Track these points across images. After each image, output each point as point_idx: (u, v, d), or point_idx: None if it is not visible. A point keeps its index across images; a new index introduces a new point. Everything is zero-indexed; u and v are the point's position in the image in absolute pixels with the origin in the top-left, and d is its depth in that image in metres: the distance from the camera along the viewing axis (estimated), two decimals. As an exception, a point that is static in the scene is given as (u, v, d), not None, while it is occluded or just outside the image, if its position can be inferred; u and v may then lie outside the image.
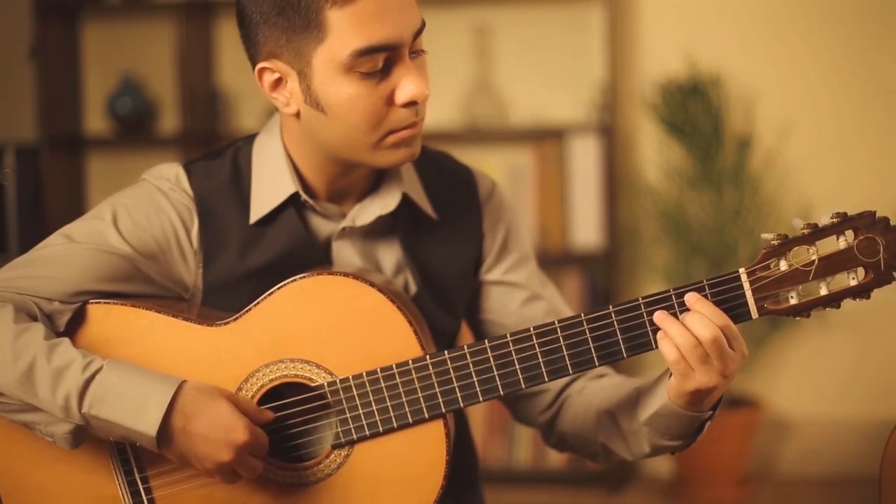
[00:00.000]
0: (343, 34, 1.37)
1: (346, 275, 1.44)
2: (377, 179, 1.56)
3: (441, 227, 1.58)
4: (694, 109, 3.71)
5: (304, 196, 1.51)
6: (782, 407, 3.88)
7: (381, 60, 1.39)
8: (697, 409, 1.40)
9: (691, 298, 1.34)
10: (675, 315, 1.35)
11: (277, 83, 1.45)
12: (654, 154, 3.85)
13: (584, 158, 3.81)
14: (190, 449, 1.37)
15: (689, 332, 1.33)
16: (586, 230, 3.83)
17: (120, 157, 4.16)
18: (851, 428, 3.82)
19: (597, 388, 1.58)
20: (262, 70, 1.45)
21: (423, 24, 1.43)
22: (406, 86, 1.40)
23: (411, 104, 1.41)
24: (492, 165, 3.82)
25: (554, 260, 3.81)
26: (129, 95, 4.04)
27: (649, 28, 3.90)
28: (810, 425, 3.87)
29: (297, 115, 1.46)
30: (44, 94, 3.95)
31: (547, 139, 3.86)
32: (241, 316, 1.45)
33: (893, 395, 3.79)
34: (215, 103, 4.04)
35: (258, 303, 1.45)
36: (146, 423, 1.35)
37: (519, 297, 1.63)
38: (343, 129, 1.42)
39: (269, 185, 1.52)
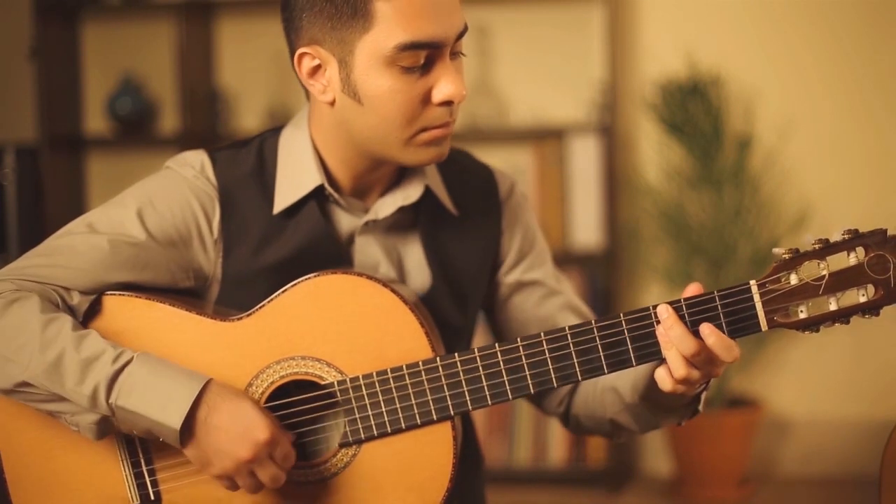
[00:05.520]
0: (389, 26, 1.38)
1: (360, 274, 1.45)
2: (400, 175, 1.57)
3: (461, 223, 1.59)
4: (694, 109, 3.71)
5: (328, 189, 1.51)
6: (782, 407, 3.88)
7: (422, 57, 1.40)
8: (688, 392, 1.41)
9: (663, 311, 1.35)
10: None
11: (316, 70, 1.45)
12: (654, 154, 3.85)
13: (584, 158, 3.81)
14: (210, 443, 1.37)
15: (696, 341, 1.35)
16: (586, 230, 3.83)
17: (120, 157, 4.16)
18: (851, 428, 3.82)
19: None
20: (301, 55, 1.45)
21: (466, 28, 1.45)
22: (444, 85, 1.42)
23: (447, 103, 1.43)
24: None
25: (554, 260, 3.80)
26: (129, 95, 4.03)
27: (649, 28, 3.90)
28: (810, 425, 3.87)
29: (332, 103, 1.46)
30: (44, 94, 3.95)
31: (547, 139, 3.86)
32: (254, 312, 1.46)
33: (893, 396, 3.79)
34: (215, 103, 4.04)
35: (272, 299, 1.46)
36: (171, 416, 1.35)
37: (536, 294, 1.64)
38: (377, 122, 1.43)
39: (295, 176, 1.52)
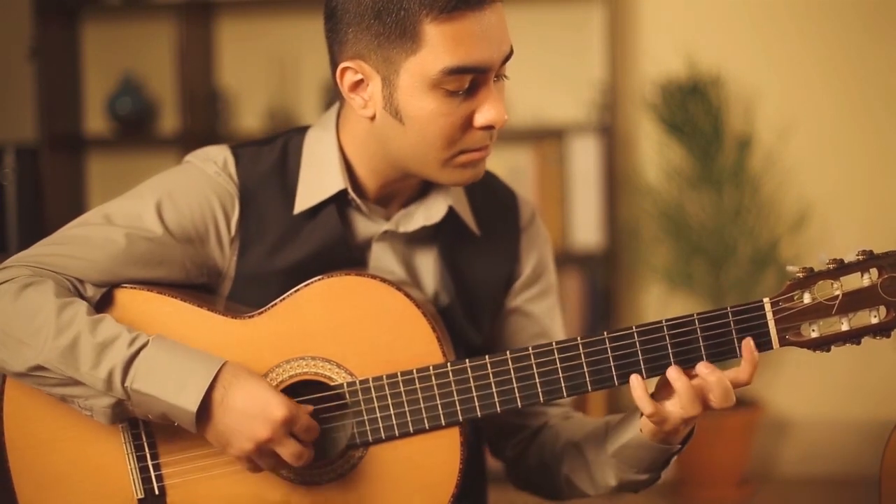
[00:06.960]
0: (437, 50, 1.37)
1: (372, 277, 1.45)
2: (425, 185, 1.56)
3: (481, 244, 1.59)
4: (694, 109, 3.71)
5: (351, 194, 1.51)
6: (782, 407, 3.88)
7: (467, 81, 1.39)
8: (667, 442, 1.43)
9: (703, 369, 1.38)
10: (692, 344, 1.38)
11: (357, 84, 1.44)
12: (654, 154, 3.85)
13: (584, 158, 3.81)
14: (227, 425, 1.36)
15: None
16: (586, 230, 3.83)
17: (120, 157, 4.16)
18: (851, 428, 3.82)
19: (567, 424, 1.60)
20: (344, 69, 1.44)
21: (512, 51, 1.43)
22: (487, 110, 1.41)
23: (488, 128, 1.42)
24: (492, 165, 3.80)
25: (554, 260, 3.80)
26: (129, 95, 4.03)
27: (649, 28, 3.90)
28: (810, 425, 3.87)
29: (372, 118, 1.45)
30: (44, 94, 3.94)
31: (547, 139, 3.86)
32: (265, 310, 1.46)
33: (893, 396, 3.79)
34: (215, 103, 4.04)
35: (284, 298, 1.46)
36: (187, 398, 1.35)
37: (532, 329, 1.64)
38: (417, 142, 1.42)
39: (318, 178, 1.51)
